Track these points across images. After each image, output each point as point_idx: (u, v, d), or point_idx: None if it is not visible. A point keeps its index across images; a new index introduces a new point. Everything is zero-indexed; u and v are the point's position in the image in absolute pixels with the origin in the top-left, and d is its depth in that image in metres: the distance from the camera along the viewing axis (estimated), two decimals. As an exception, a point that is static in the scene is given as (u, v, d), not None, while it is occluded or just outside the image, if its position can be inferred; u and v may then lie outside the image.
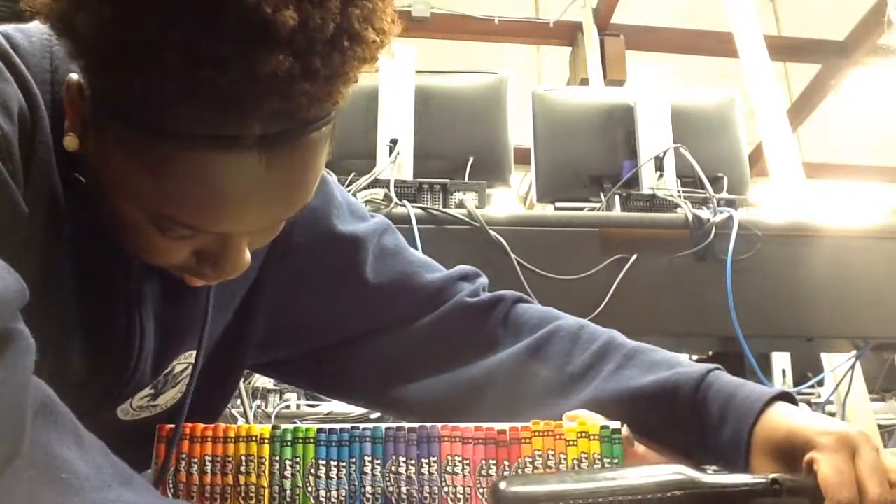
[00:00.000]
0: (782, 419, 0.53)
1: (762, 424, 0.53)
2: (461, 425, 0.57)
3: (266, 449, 0.54)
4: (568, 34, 4.44)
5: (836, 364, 1.61)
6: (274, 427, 0.53)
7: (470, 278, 0.73)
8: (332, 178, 0.71)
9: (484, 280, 0.74)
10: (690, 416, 0.57)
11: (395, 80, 1.46)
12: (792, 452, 0.51)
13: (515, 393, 0.65)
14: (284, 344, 0.70)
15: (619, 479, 0.46)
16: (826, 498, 0.47)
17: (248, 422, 2.39)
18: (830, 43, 4.87)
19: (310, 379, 0.74)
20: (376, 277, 0.68)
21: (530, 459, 0.59)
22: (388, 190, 1.23)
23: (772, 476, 0.48)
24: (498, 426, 0.58)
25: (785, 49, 4.48)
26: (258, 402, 3.09)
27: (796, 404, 0.55)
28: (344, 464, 0.54)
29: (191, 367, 0.61)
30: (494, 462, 0.56)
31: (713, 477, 0.47)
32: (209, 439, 0.53)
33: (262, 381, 3.33)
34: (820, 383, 3.31)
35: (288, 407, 3.18)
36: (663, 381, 0.59)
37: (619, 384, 0.61)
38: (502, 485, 0.44)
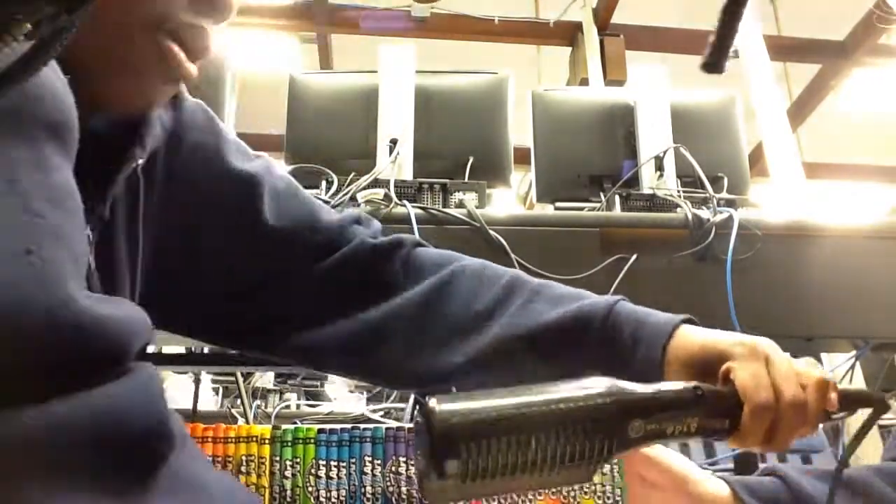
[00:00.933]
0: (694, 336, 0.55)
1: (675, 343, 0.55)
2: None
3: (266, 449, 0.54)
4: (568, 34, 4.44)
5: (836, 364, 1.61)
6: (274, 427, 0.53)
7: (364, 222, 0.71)
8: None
9: (378, 225, 0.72)
10: (601, 343, 0.58)
11: (394, 79, 1.46)
12: (706, 366, 0.53)
13: (422, 333, 0.64)
14: (184, 284, 0.64)
15: (550, 391, 0.47)
16: (745, 402, 0.50)
17: (248, 422, 2.39)
18: (830, 43, 4.87)
19: (218, 330, 0.69)
20: (276, 219, 0.65)
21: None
22: (388, 190, 1.23)
23: (693, 384, 0.50)
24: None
25: (785, 49, 4.48)
26: (258, 401, 3.08)
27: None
28: (344, 464, 0.53)
29: None
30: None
31: (640, 386, 0.49)
32: (209, 439, 0.53)
33: (262, 381, 3.33)
34: (820, 383, 3.31)
35: (288, 407, 3.18)
36: (574, 312, 0.60)
37: (528, 319, 0.61)
38: (432, 402, 0.44)
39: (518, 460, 0.43)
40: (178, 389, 3.29)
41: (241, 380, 2.84)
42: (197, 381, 2.73)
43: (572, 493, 0.62)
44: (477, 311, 0.63)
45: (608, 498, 0.63)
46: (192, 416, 2.55)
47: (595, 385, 0.48)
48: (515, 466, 0.43)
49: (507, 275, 0.66)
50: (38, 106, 0.42)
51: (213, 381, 3.48)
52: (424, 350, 0.62)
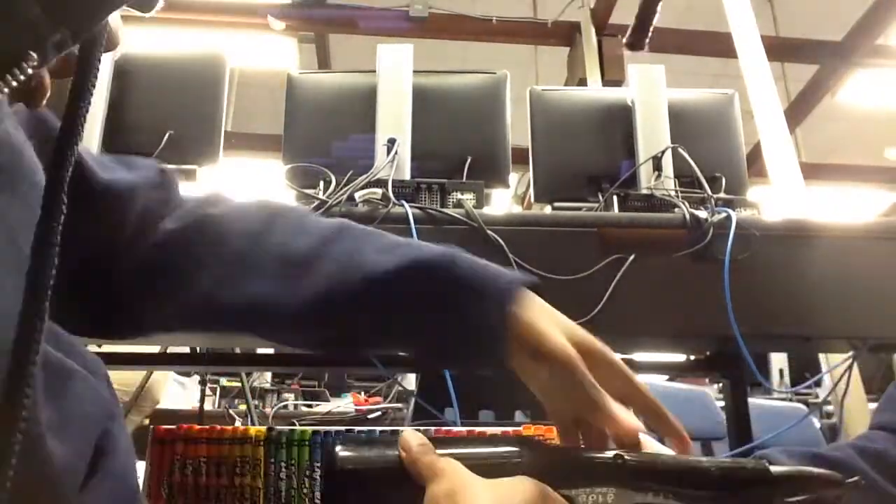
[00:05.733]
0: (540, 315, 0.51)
1: (520, 312, 0.51)
2: (453, 429, 0.57)
3: (261, 451, 0.53)
4: (566, 34, 4.44)
5: (834, 364, 1.61)
6: (269, 429, 0.52)
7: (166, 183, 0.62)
8: None
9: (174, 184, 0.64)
10: (441, 293, 0.53)
11: (392, 79, 1.46)
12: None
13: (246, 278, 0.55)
14: None
15: (458, 446, 0.46)
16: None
17: (253, 422, 2.38)
18: (828, 44, 4.87)
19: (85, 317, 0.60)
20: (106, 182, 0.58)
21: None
22: (386, 190, 1.22)
23: (614, 453, 0.46)
24: (497, 429, 0.57)
25: (783, 49, 4.48)
26: (255, 401, 3.08)
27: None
28: (340, 465, 0.53)
29: None
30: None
31: (555, 448, 0.48)
32: (203, 440, 0.53)
33: (260, 381, 3.32)
34: (818, 383, 3.32)
35: (286, 407, 3.18)
36: (410, 259, 0.54)
37: (358, 268, 0.54)
38: (337, 448, 0.44)
39: None
40: (169, 389, 3.28)
41: (245, 380, 2.83)
42: (203, 382, 2.73)
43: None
44: (298, 257, 0.55)
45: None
46: (199, 417, 2.54)
47: (505, 443, 0.46)
48: None
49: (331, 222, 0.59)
50: (22, 161, 0.41)
51: (211, 382, 3.47)
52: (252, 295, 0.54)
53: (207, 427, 0.53)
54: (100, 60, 0.40)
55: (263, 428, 0.52)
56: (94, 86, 0.39)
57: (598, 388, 0.47)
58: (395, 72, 1.46)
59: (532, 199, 1.60)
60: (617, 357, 0.51)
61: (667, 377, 2.75)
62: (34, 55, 0.35)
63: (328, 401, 3.04)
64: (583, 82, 4.03)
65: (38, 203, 0.38)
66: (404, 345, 0.56)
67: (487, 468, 0.43)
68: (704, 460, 0.48)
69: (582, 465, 0.45)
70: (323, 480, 0.43)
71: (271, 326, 0.55)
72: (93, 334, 0.61)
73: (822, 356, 2.30)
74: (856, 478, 0.49)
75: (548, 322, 0.50)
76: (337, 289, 0.53)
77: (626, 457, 0.45)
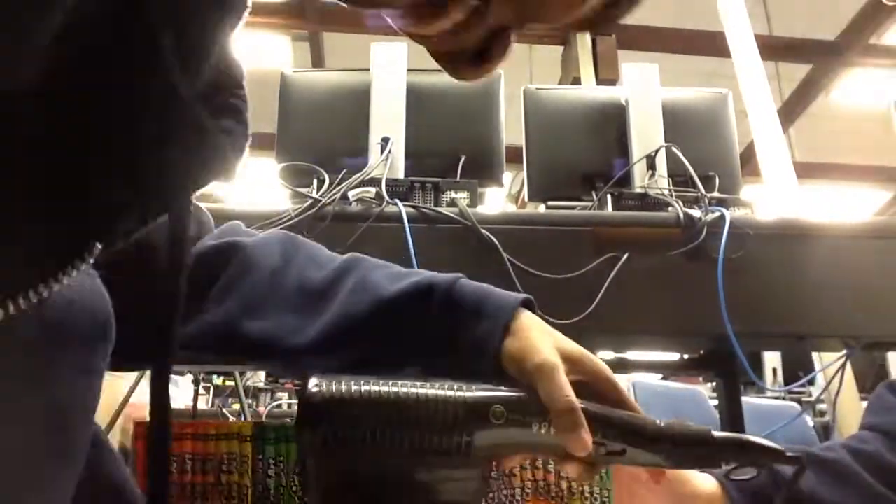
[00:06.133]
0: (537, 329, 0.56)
1: (517, 324, 0.56)
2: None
3: (248, 447, 0.52)
4: (560, 33, 4.44)
5: (827, 363, 1.61)
6: (256, 424, 0.52)
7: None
8: None
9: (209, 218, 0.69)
10: (442, 313, 0.57)
11: (387, 78, 1.45)
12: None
13: (265, 317, 0.60)
14: None
15: (419, 382, 0.50)
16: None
17: (246, 419, 2.37)
18: (822, 43, 4.89)
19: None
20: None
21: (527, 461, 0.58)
22: (380, 189, 1.22)
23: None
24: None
25: (776, 49, 4.49)
26: (249, 401, 3.07)
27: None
28: (331, 463, 0.53)
29: None
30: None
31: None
32: (188, 436, 0.52)
33: (253, 380, 3.31)
34: (811, 382, 3.33)
35: (279, 406, 3.17)
36: (415, 283, 0.58)
37: (367, 296, 0.58)
38: (311, 381, 0.47)
39: (378, 436, 0.46)
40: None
41: (239, 379, 2.82)
42: (197, 381, 2.72)
43: (560, 494, 0.62)
44: (312, 290, 0.60)
45: (595, 499, 0.62)
46: (193, 416, 2.53)
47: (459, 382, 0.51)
48: (380, 443, 0.46)
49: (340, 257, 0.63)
50: (73, 314, 0.41)
51: (204, 381, 3.46)
52: (273, 333, 0.58)
53: (192, 422, 0.52)
54: (188, 238, 0.43)
55: (250, 423, 0.52)
56: (187, 259, 0.43)
57: (565, 395, 0.51)
58: (390, 70, 1.46)
59: (526, 198, 1.60)
60: (605, 367, 0.56)
61: (660, 376, 2.75)
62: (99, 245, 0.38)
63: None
64: (577, 81, 4.04)
65: (92, 362, 0.42)
66: (412, 363, 0.58)
67: (439, 392, 0.48)
68: (656, 420, 0.53)
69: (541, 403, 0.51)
70: (297, 414, 0.46)
71: (288, 355, 0.58)
72: (130, 364, 0.62)
73: (815, 355, 2.31)
74: (798, 455, 0.52)
75: (538, 338, 0.55)
76: (349, 313, 0.57)
77: (583, 405, 0.51)
